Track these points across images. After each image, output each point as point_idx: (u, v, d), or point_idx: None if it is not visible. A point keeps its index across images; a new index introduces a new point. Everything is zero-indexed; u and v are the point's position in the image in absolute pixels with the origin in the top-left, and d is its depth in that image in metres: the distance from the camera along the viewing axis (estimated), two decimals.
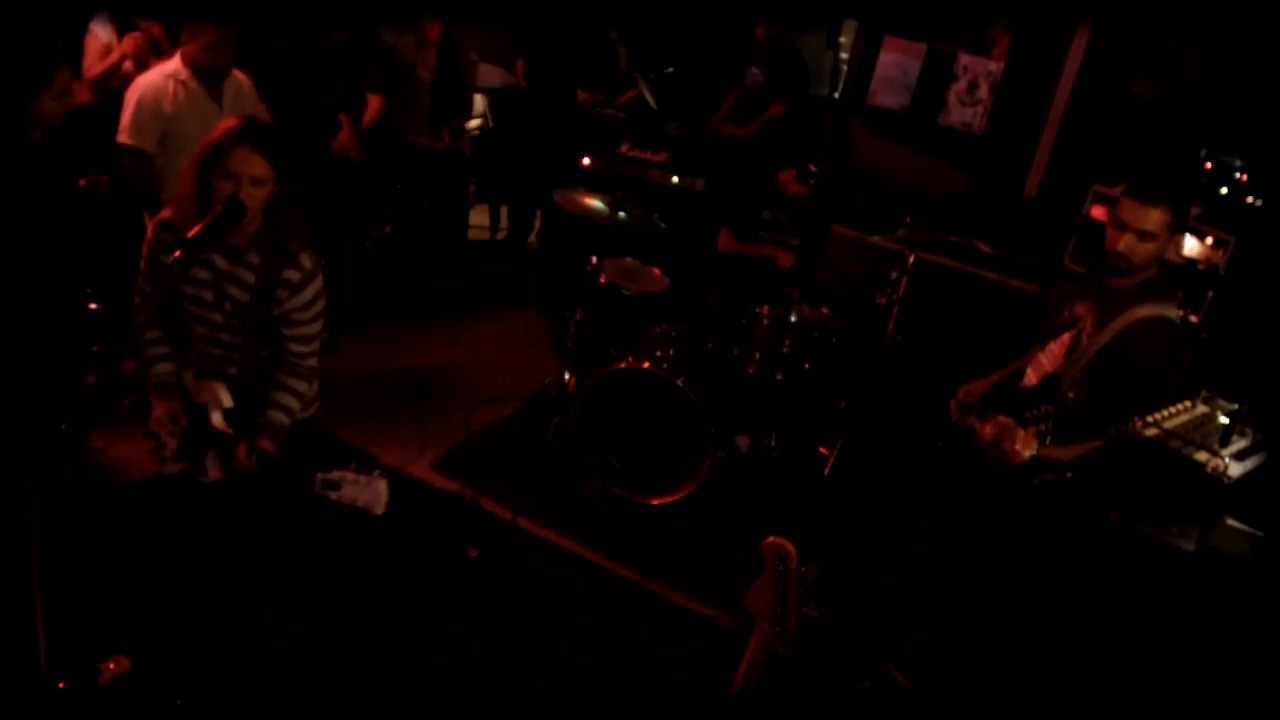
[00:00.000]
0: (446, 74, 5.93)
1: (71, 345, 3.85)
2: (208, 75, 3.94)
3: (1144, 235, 2.85)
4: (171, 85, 3.89)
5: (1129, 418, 2.75)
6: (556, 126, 6.33)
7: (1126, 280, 2.94)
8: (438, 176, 6.14)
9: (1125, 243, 2.86)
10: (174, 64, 3.93)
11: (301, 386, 2.83)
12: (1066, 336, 3.07)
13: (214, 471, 2.73)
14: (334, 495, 2.42)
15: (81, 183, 3.87)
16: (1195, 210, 4.41)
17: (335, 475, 2.42)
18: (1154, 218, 2.83)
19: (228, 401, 2.72)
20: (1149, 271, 2.94)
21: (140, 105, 3.84)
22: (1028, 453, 2.64)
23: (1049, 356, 3.11)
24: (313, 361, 2.86)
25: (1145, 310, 2.86)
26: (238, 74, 4.11)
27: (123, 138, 3.85)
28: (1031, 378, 3.14)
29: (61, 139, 3.59)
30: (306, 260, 2.73)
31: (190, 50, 3.90)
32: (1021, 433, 2.66)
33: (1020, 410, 2.86)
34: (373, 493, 2.40)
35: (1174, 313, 2.96)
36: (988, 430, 2.72)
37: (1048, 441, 2.79)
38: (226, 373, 2.79)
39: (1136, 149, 4.93)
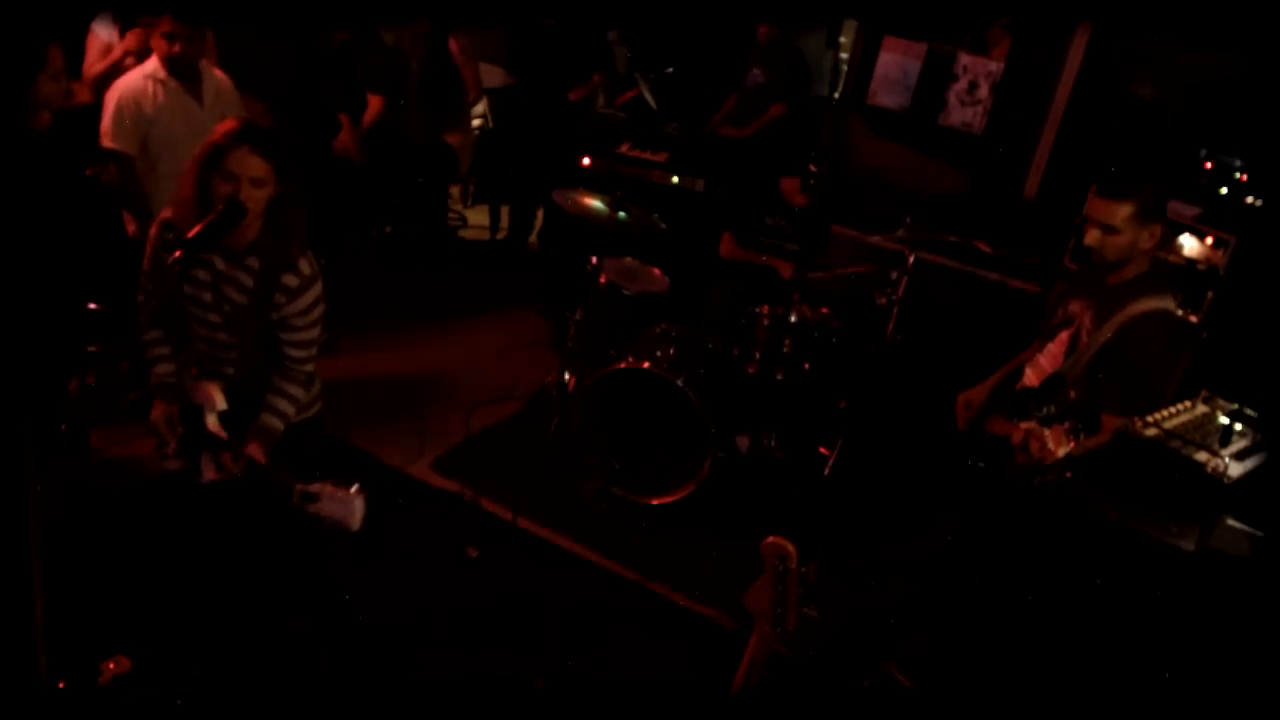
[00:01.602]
0: (434, 63, 5.92)
1: (70, 344, 3.85)
2: (182, 70, 3.90)
3: (1109, 229, 2.91)
4: (151, 86, 3.86)
5: (1126, 409, 2.77)
6: (557, 126, 6.32)
7: (1120, 276, 2.96)
8: (422, 170, 6.13)
9: (1092, 237, 2.94)
10: (151, 64, 3.90)
11: (297, 391, 2.82)
12: (1064, 335, 3.08)
13: (209, 473, 2.73)
14: (311, 508, 2.42)
15: (88, 171, 3.86)
16: (1194, 210, 4.42)
17: (315, 488, 2.42)
18: (1117, 212, 2.89)
19: (222, 404, 2.71)
20: (1141, 265, 2.96)
21: (120, 108, 3.82)
22: (1062, 451, 2.66)
23: (1048, 357, 3.11)
24: (309, 367, 2.85)
25: (1145, 305, 2.88)
26: (217, 72, 4.09)
27: (105, 142, 3.83)
28: (1031, 379, 3.14)
29: (66, 126, 3.59)
30: (305, 265, 2.72)
31: (159, 44, 3.87)
32: (1048, 432, 2.68)
33: (1028, 412, 2.87)
34: (348, 509, 2.40)
35: (1172, 305, 2.97)
36: (1016, 437, 2.74)
37: (1082, 438, 2.81)
38: (224, 373, 2.79)
39: (1136, 149, 4.93)
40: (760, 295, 4.29)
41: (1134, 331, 2.87)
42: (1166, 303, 2.93)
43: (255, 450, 2.68)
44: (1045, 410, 2.80)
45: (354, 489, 2.40)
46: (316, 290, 2.75)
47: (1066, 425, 2.73)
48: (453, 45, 6.06)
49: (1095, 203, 2.92)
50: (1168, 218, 4.15)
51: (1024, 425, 2.73)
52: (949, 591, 3.14)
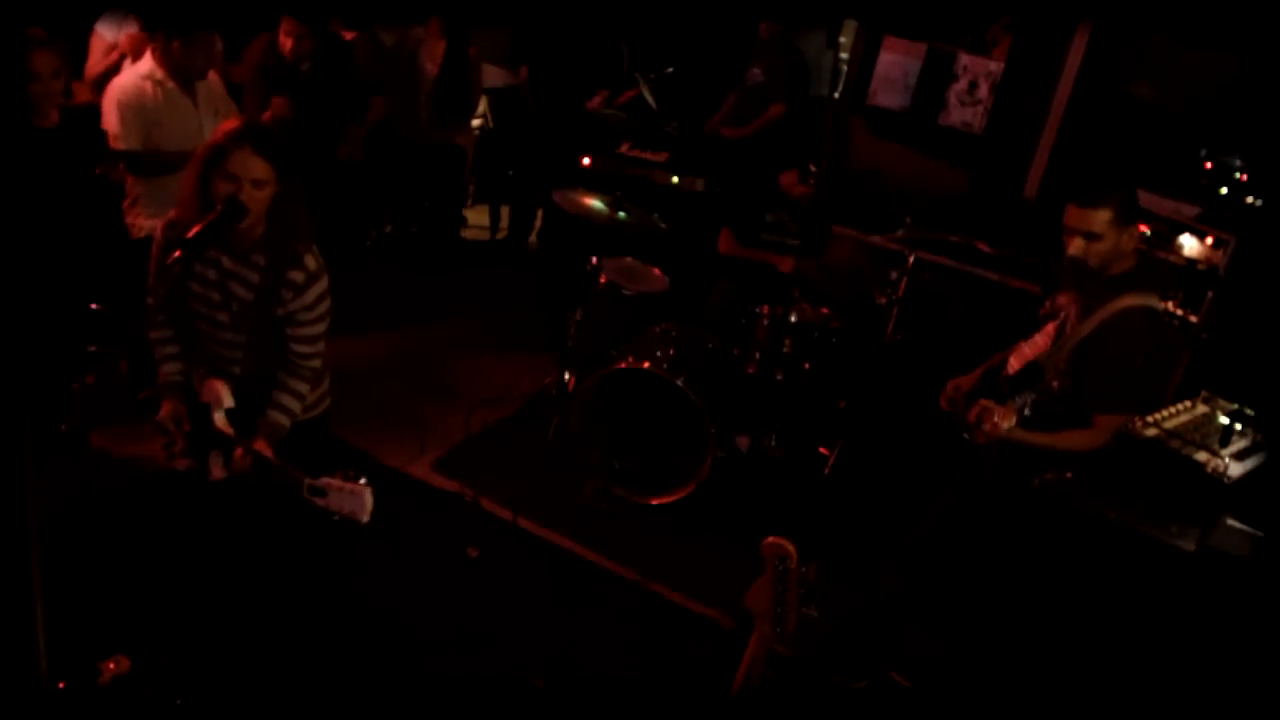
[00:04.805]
0: (452, 67, 5.91)
1: (71, 345, 3.85)
2: (183, 76, 3.93)
3: (1091, 236, 2.94)
4: (149, 86, 3.87)
5: (1111, 405, 2.80)
6: (556, 126, 6.32)
7: (1107, 273, 2.98)
8: (435, 172, 6.13)
9: (1076, 246, 2.96)
10: (146, 65, 3.91)
11: (303, 388, 2.83)
12: (1050, 327, 3.10)
13: (217, 471, 2.73)
14: (320, 502, 2.44)
15: (97, 170, 3.87)
16: (1194, 210, 4.42)
17: (322, 482, 2.44)
18: (1096, 219, 2.92)
19: (229, 401, 2.72)
20: (1127, 263, 2.98)
21: (123, 109, 3.82)
22: (1005, 425, 2.75)
23: (1032, 346, 3.14)
24: (316, 363, 2.86)
25: (1128, 300, 2.90)
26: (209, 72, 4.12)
27: (117, 145, 3.84)
28: (1014, 366, 3.16)
29: (72, 125, 3.60)
30: (311, 261, 2.73)
31: (163, 51, 3.89)
32: (999, 408, 2.74)
33: (1003, 396, 2.90)
34: (358, 501, 2.42)
35: (1157, 302, 2.99)
36: (972, 414, 2.81)
37: (1026, 413, 2.86)
38: (231, 372, 2.80)
39: (1136, 149, 4.93)
40: (760, 294, 4.30)
41: (1116, 326, 2.89)
42: (1150, 299, 2.95)
43: (263, 447, 2.69)
44: (1024, 397, 2.88)
45: (362, 481, 2.42)
46: (322, 286, 2.76)
47: (1019, 402, 2.81)
48: (471, 49, 6.05)
49: (1074, 213, 2.96)
50: (1164, 217, 4.21)
51: (983, 402, 2.81)
52: (946, 589, 3.15)
